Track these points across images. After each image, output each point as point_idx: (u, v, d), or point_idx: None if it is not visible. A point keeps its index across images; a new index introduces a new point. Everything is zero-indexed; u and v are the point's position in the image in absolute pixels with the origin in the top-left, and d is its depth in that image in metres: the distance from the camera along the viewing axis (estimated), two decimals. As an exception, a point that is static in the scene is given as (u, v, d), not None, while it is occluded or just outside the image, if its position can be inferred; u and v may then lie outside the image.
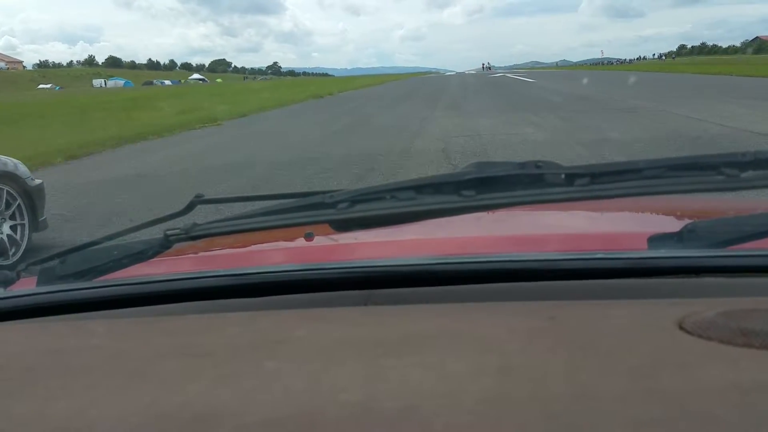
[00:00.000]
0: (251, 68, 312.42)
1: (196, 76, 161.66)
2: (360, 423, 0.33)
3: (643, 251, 0.66)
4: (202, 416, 0.34)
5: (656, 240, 0.67)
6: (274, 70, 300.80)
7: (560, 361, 0.38)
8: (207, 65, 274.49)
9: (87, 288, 0.66)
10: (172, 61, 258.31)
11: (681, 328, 0.41)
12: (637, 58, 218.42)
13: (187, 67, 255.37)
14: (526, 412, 0.32)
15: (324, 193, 0.61)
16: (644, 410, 0.32)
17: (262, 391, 0.36)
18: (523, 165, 0.58)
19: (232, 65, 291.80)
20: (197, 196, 0.75)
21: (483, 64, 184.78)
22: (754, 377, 0.34)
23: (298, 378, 0.38)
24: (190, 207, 0.75)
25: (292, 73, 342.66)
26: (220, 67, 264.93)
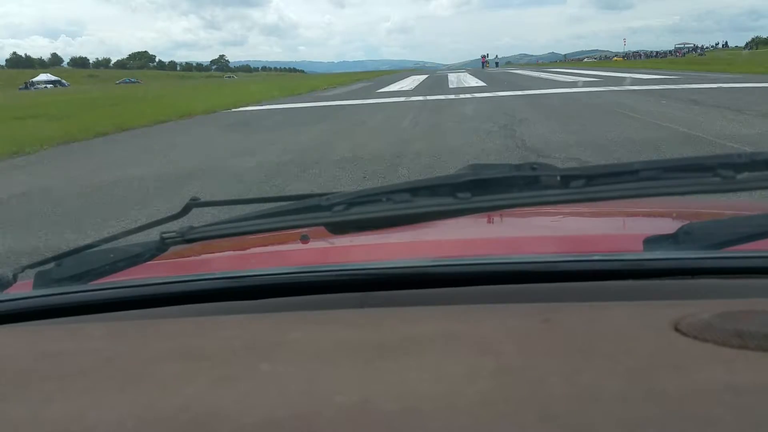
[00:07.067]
0: (186, 62, 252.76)
1: (43, 77, 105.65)
2: (357, 425, 0.33)
3: (638, 253, 0.67)
4: (200, 419, 0.34)
5: (652, 242, 0.68)
6: (220, 65, 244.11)
7: (557, 362, 0.38)
8: (115, 61, 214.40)
9: (83, 291, 0.66)
10: (55, 55, 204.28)
11: (677, 329, 0.41)
12: (717, 44, 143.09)
13: (81, 63, 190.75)
14: (523, 414, 0.32)
15: (320, 195, 0.61)
16: (640, 412, 0.32)
17: (259, 393, 0.36)
18: (519, 167, 0.58)
19: (156, 59, 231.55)
20: (193, 199, 0.75)
21: (483, 57, 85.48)
22: (749, 379, 0.34)
23: (295, 380, 0.38)
24: (186, 210, 0.75)
25: (246, 68, 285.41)
26: (137, 62, 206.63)
